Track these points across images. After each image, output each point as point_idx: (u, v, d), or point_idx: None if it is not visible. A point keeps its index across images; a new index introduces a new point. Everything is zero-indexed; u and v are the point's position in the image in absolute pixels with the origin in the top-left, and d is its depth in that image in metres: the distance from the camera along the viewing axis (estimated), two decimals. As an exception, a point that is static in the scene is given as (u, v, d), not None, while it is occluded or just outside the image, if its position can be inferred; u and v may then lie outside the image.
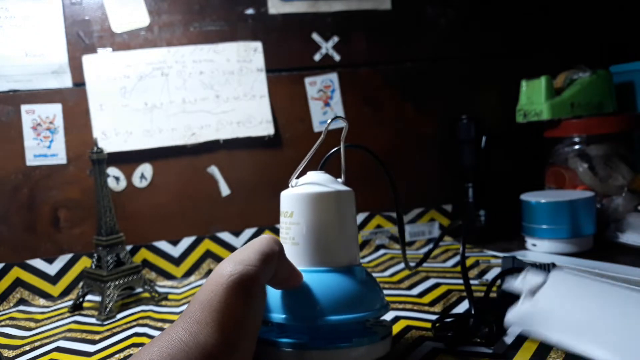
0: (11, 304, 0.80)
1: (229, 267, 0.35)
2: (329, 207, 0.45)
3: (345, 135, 0.49)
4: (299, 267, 0.43)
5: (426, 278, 0.76)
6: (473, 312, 0.56)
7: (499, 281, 0.64)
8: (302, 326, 0.42)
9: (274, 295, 0.41)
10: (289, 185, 0.46)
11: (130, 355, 0.57)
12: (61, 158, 0.84)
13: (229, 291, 0.33)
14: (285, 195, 0.46)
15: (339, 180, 0.49)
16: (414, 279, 0.76)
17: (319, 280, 0.42)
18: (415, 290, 0.71)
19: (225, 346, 0.32)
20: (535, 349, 0.48)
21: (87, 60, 0.85)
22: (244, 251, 0.37)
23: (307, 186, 0.45)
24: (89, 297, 0.81)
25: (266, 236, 0.39)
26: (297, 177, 0.48)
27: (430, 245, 0.96)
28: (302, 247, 0.43)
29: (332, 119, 0.48)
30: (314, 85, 0.95)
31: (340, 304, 0.41)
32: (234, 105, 0.91)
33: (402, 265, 0.83)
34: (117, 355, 0.57)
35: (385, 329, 0.46)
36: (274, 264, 0.38)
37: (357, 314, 0.41)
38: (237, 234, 0.91)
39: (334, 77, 0.96)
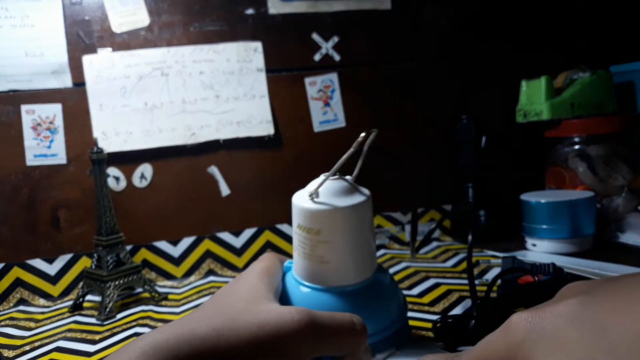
0: (11, 304, 0.80)
1: (301, 317, 0.31)
2: (361, 218, 0.42)
3: (371, 141, 0.45)
4: (329, 285, 0.40)
5: (426, 278, 0.76)
6: (475, 313, 0.56)
7: (499, 281, 0.64)
8: None
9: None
10: (309, 196, 0.42)
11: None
12: (61, 158, 0.84)
13: (286, 340, 0.30)
14: (308, 210, 0.41)
15: (349, 178, 0.46)
16: (414, 279, 0.76)
17: (357, 297, 0.41)
18: (416, 290, 0.71)
19: None
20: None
21: (87, 60, 0.85)
22: (325, 315, 0.33)
23: (333, 199, 0.41)
24: (89, 297, 0.81)
25: (359, 323, 0.34)
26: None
27: (432, 241, 0.96)
28: (334, 266, 0.41)
29: (369, 131, 0.43)
30: (314, 85, 0.95)
31: (387, 316, 0.41)
32: (234, 105, 0.91)
33: (402, 265, 0.84)
34: (117, 355, 0.57)
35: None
36: (341, 347, 0.33)
37: (401, 321, 0.42)
38: (237, 234, 0.91)
39: (334, 77, 0.96)
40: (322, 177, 0.43)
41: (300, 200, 0.42)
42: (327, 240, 0.40)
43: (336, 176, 0.44)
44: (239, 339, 0.29)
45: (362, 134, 0.42)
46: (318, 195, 0.42)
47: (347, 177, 0.46)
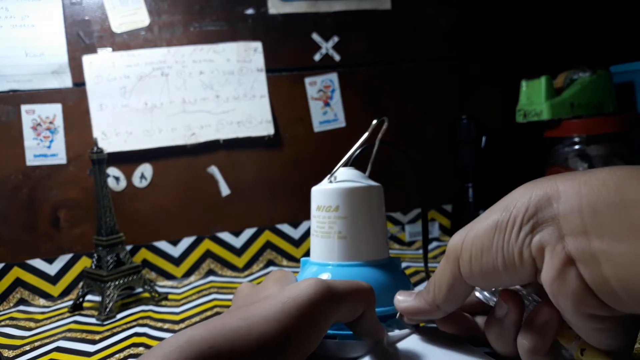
0: (11, 304, 0.80)
1: (317, 282, 0.34)
2: (376, 201, 0.46)
3: (382, 133, 0.49)
4: (346, 261, 0.44)
5: (426, 278, 0.76)
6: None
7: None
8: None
9: None
10: (328, 180, 0.47)
11: (130, 355, 0.57)
12: (61, 158, 0.84)
13: (309, 304, 0.32)
14: (328, 190, 0.46)
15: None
16: (414, 279, 0.76)
17: (374, 274, 0.44)
18: (415, 290, 0.71)
19: (281, 347, 0.30)
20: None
21: (87, 60, 0.85)
22: (337, 280, 0.36)
23: (349, 182, 0.46)
24: (89, 297, 0.81)
25: (367, 284, 0.37)
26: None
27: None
28: (350, 241, 0.44)
29: (380, 119, 0.47)
30: (314, 85, 0.95)
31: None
32: (234, 105, 0.91)
33: (403, 265, 0.83)
34: (117, 355, 0.57)
35: None
36: (355, 308, 0.36)
37: None
38: (237, 234, 0.91)
39: (334, 77, 0.96)
40: (338, 165, 0.47)
41: (320, 186, 0.47)
42: (345, 215, 0.44)
43: (351, 166, 0.48)
44: (269, 322, 0.31)
45: (374, 122, 0.46)
46: (336, 178, 0.46)
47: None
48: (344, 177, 0.46)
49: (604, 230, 0.24)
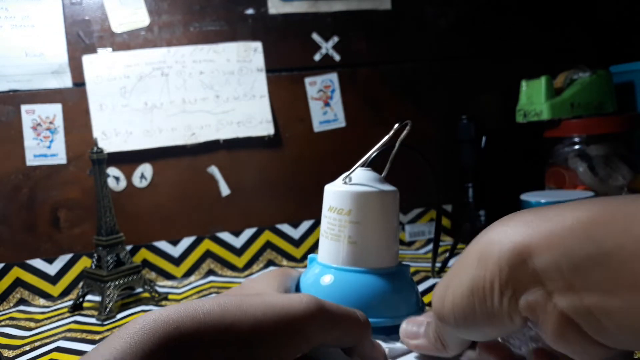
0: (11, 304, 0.80)
1: (310, 301, 0.32)
2: (391, 207, 0.45)
3: (404, 136, 0.48)
4: (353, 267, 0.43)
5: (426, 278, 0.76)
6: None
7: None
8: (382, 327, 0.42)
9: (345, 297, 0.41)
10: (343, 181, 0.45)
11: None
12: (61, 158, 0.84)
13: (290, 318, 0.30)
14: (342, 192, 0.44)
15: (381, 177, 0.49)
16: (414, 279, 0.76)
17: (380, 283, 0.43)
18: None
19: (248, 343, 0.29)
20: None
21: (87, 60, 0.85)
22: (334, 305, 0.34)
23: (364, 185, 0.44)
24: (89, 297, 0.81)
25: (364, 317, 0.35)
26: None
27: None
28: (360, 247, 0.43)
29: (403, 123, 0.47)
30: (314, 85, 0.95)
31: (408, 303, 0.43)
32: (234, 105, 0.91)
33: (402, 265, 0.84)
34: (117, 355, 0.57)
35: None
36: (343, 340, 0.34)
37: (415, 309, 0.43)
38: (237, 234, 0.91)
39: (334, 77, 0.96)
40: (355, 166, 0.47)
41: (333, 186, 0.45)
42: (357, 220, 0.43)
43: (368, 167, 0.47)
44: (245, 315, 0.29)
45: (396, 126, 0.45)
46: (351, 180, 0.45)
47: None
48: (360, 179, 0.45)
49: (592, 286, 0.23)
